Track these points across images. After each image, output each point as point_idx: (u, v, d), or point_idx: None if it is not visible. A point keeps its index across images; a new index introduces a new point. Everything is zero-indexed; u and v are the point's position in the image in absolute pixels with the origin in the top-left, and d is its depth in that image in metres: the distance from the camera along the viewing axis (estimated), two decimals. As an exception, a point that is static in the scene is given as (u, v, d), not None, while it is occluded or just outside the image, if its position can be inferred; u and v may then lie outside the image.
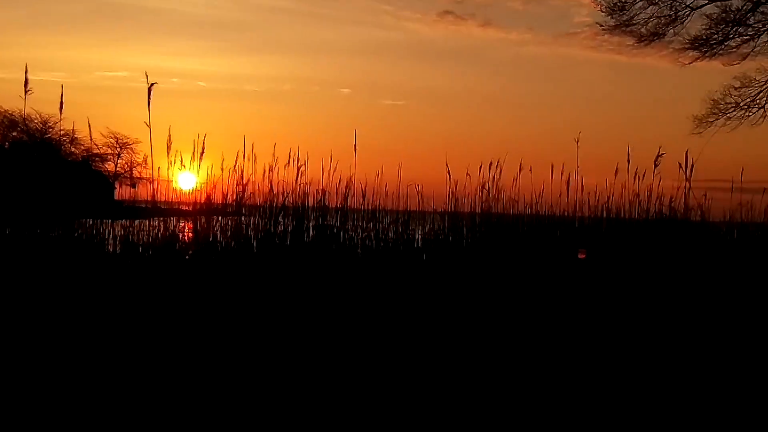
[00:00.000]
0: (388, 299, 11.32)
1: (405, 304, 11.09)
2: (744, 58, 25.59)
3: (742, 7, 24.81)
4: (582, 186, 15.85)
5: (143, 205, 15.02)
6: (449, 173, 15.38)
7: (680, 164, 15.18)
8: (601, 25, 25.94)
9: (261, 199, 14.36)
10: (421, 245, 15.19)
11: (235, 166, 14.39)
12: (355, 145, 14.51)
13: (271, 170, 14.42)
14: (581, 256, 14.51)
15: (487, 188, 15.42)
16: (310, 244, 13.78)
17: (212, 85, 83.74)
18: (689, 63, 25.94)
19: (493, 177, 15.58)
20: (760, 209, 16.35)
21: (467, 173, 15.70)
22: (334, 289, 11.57)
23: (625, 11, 25.26)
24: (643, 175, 15.49)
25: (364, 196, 14.93)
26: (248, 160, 14.43)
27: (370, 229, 14.83)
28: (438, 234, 15.27)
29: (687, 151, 15.30)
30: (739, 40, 25.29)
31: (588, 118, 66.80)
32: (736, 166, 19.78)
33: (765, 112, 25.56)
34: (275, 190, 14.30)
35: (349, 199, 14.55)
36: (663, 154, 15.07)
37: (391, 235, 14.80)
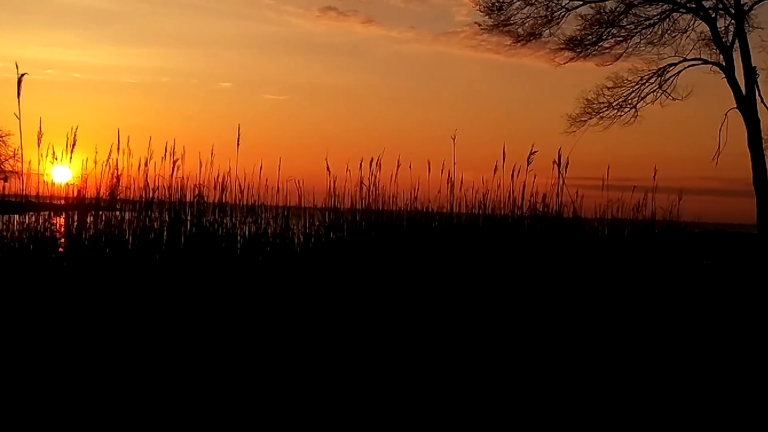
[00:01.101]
0: (264, 297, 11.23)
1: (283, 302, 11.02)
2: (617, 59, 26.50)
3: (616, 8, 25.65)
4: (461, 183, 16.03)
5: (13, 200, 14.49)
6: (329, 169, 15.34)
7: (554, 162, 15.53)
8: (480, 25, 26.44)
9: (136, 194, 14.05)
10: (301, 241, 15.13)
11: (108, 160, 14.04)
12: (237, 140, 14.32)
13: (146, 164, 14.11)
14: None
15: (366, 184, 15.46)
16: (187, 240, 13.55)
17: (88, 77, 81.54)
18: (564, 63, 26.69)
19: (372, 173, 15.62)
20: (630, 206, 16.88)
21: (347, 169, 15.68)
22: (211, 287, 11.42)
23: (503, 11, 25.79)
24: (518, 173, 15.78)
25: (242, 192, 14.77)
26: (123, 153, 14.09)
27: (249, 224, 14.68)
28: (318, 230, 15.24)
29: (560, 149, 15.67)
30: (612, 41, 26.16)
31: (467, 116, 68.02)
32: (611, 164, 20.61)
33: (636, 111, 26.49)
34: (151, 185, 14.00)
35: (227, 195, 14.35)
36: (536, 152, 15.37)
37: (270, 231, 14.68)
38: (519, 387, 7.55)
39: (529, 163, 15.19)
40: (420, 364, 8.24)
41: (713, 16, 25.42)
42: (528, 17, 25.96)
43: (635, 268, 15.01)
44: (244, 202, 14.78)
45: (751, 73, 25.47)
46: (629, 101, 26.35)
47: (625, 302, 12.62)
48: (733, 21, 25.43)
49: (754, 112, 25.45)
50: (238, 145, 14.13)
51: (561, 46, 26.36)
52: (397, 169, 15.80)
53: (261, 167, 14.86)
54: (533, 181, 15.79)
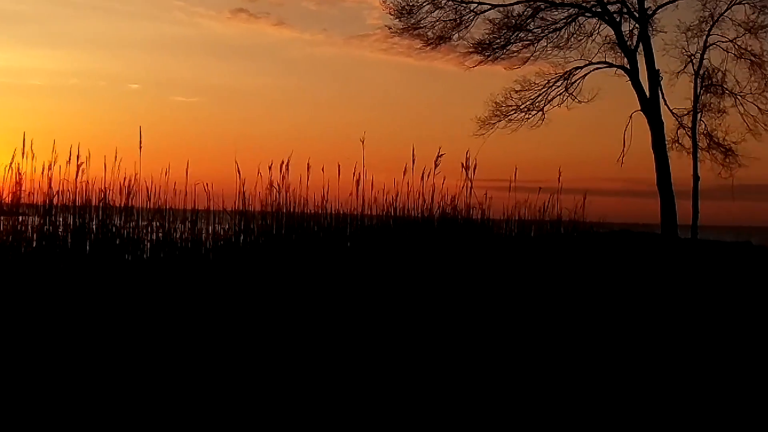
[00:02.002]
0: (172, 304, 11.08)
1: (191, 309, 10.89)
2: (525, 63, 26.81)
3: (523, 12, 25.97)
4: (372, 185, 16.12)
5: None
6: (239, 171, 15.26)
7: (462, 164, 15.74)
8: (390, 28, 26.50)
9: (40, 198, 13.77)
10: (211, 245, 14.99)
11: (11, 164, 13.74)
12: (140, 142, 14.11)
13: (50, 168, 13.83)
14: None
15: (276, 187, 15.42)
16: (93, 245, 13.31)
17: (-9, 80, 79.26)
18: (474, 66, 26.92)
19: (283, 176, 15.60)
20: (536, 207, 17.22)
21: (258, 172, 15.63)
22: (117, 295, 11.22)
23: (412, 15, 25.87)
24: (428, 175, 15.94)
25: (149, 195, 14.58)
26: (26, 157, 13.79)
27: (157, 228, 14.49)
28: (228, 234, 15.13)
29: (467, 152, 15.89)
30: (520, 44, 26.45)
31: (378, 119, 68.18)
32: (519, 166, 20.93)
33: (543, 114, 26.82)
34: (55, 189, 13.72)
35: (133, 198, 14.15)
36: (442, 154, 15.58)
37: (178, 234, 14.52)
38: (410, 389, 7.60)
39: (436, 165, 15.38)
40: (333, 369, 8.23)
41: (618, 20, 25.95)
42: (437, 21, 26.12)
43: (541, 268, 15.25)
44: (151, 206, 14.60)
45: (654, 76, 26.10)
46: (537, 104, 26.69)
47: (529, 302, 12.80)
48: (637, 25, 25.99)
49: (657, 115, 26.08)
50: (140, 147, 13.95)
51: (470, 50, 26.58)
52: (308, 172, 15.81)
53: (168, 170, 14.70)
54: (442, 183, 15.99)
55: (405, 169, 15.94)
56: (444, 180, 16.03)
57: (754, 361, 9.60)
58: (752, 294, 14.70)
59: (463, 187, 16.09)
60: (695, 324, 11.87)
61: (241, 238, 15.34)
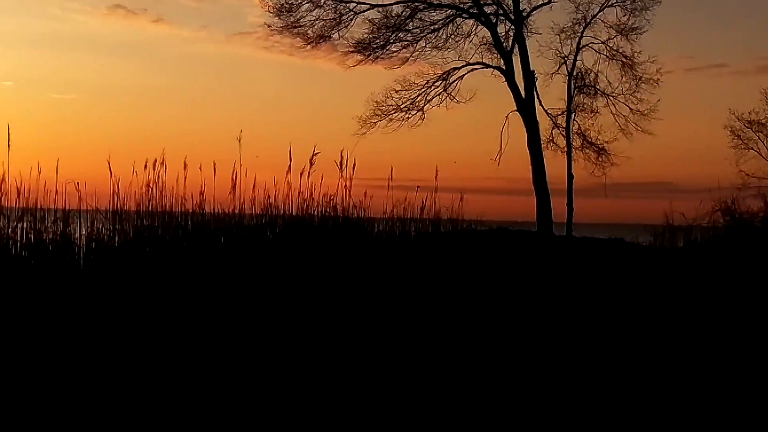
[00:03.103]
0: (42, 308, 10.69)
1: (60, 309, 10.52)
2: (404, 63, 26.94)
3: (402, 13, 26.10)
4: (255, 183, 15.91)
5: None
6: (111, 170, 14.85)
7: (336, 162, 15.70)
8: (270, 26, 26.25)
9: None
10: (84, 245, 14.55)
11: None
12: (8, 140, 13.67)
13: None
14: None
15: (152, 186, 15.06)
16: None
17: None
18: (354, 66, 26.90)
19: (159, 175, 15.26)
20: (415, 205, 17.32)
21: (133, 171, 15.26)
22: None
23: (292, 13, 25.71)
24: (308, 174, 15.82)
25: (19, 194, 14.09)
26: None
27: (26, 229, 13.98)
28: (100, 234, 14.70)
29: (342, 151, 15.89)
30: (399, 45, 26.59)
31: (261, 118, 67.49)
32: (400, 165, 20.94)
33: (423, 114, 27.01)
34: None
35: (1, 197, 13.65)
36: (318, 153, 15.51)
37: (48, 236, 14.01)
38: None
39: (312, 164, 15.31)
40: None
41: (494, 21, 26.33)
42: (317, 19, 26.00)
43: (420, 267, 15.32)
44: (21, 205, 14.12)
45: (529, 77, 26.60)
46: (416, 104, 26.85)
47: (408, 301, 12.83)
48: (512, 26, 26.43)
49: (532, 115, 26.59)
50: (9, 146, 13.53)
51: (350, 49, 26.57)
52: (185, 171, 15.52)
53: (39, 169, 14.23)
54: (321, 182, 15.90)
55: (291, 167, 15.80)
56: (322, 179, 15.95)
57: (621, 353, 9.86)
58: (624, 289, 15.12)
59: (340, 186, 16.03)
60: (569, 319, 12.13)
61: (116, 238, 14.94)
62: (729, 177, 26.20)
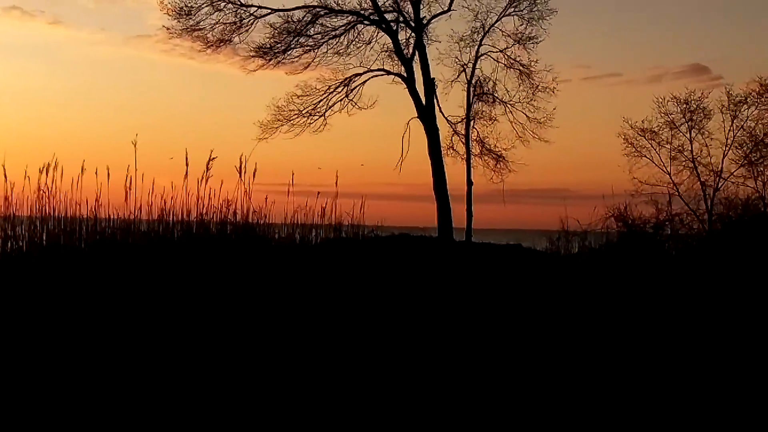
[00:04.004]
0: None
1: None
2: (306, 68, 26.88)
3: (303, 18, 26.03)
4: (153, 188, 15.66)
5: None
6: (6, 175, 14.52)
7: (236, 168, 15.58)
8: (169, 29, 25.86)
9: None
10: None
11: None
12: None
13: None
14: None
15: (44, 191, 14.71)
16: None
17: None
18: (255, 70, 26.72)
19: (53, 179, 14.93)
20: (316, 211, 17.30)
21: (26, 176, 14.93)
22: None
23: (191, 16, 25.38)
24: (207, 179, 15.65)
25: None
26: None
27: None
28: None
29: (241, 156, 15.78)
30: (301, 50, 26.50)
31: (160, 122, 66.60)
32: (301, 171, 20.90)
33: (325, 120, 26.97)
34: None
35: None
36: (215, 157, 15.38)
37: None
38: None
39: (208, 169, 15.14)
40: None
41: (395, 28, 26.49)
42: (217, 23, 25.71)
43: (321, 272, 15.30)
44: None
45: (430, 84, 26.84)
46: (318, 109, 26.79)
47: (307, 309, 12.81)
48: (413, 34, 26.65)
49: (433, 122, 26.83)
50: None
51: (252, 54, 26.38)
52: (81, 175, 15.21)
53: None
54: (220, 188, 15.73)
55: (188, 173, 15.57)
56: (222, 184, 15.79)
57: (516, 355, 10.04)
58: (520, 293, 15.39)
59: (239, 191, 15.90)
60: (468, 323, 12.29)
61: (9, 244, 14.58)
62: (622, 184, 26.94)
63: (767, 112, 26.73)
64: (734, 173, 26.52)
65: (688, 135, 26.68)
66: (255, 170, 15.83)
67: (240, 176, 15.57)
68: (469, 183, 28.08)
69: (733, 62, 60.72)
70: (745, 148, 26.51)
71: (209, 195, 15.66)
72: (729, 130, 26.56)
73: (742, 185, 26.13)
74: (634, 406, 8.04)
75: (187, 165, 15.25)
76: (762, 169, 26.27)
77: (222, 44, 26.19)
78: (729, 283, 16.78)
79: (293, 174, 16.90)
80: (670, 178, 26.47)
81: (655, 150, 26.89)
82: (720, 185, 26.16)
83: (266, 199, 16.51)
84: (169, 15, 25.51)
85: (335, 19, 26.40)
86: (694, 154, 26.59)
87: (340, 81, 26.77)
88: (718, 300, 15.12)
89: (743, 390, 8.89)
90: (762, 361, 10.46)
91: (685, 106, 26.80)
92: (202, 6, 25.35)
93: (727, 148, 26.56)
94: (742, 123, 26.63)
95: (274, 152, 29.81)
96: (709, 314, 13.80)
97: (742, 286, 16.41)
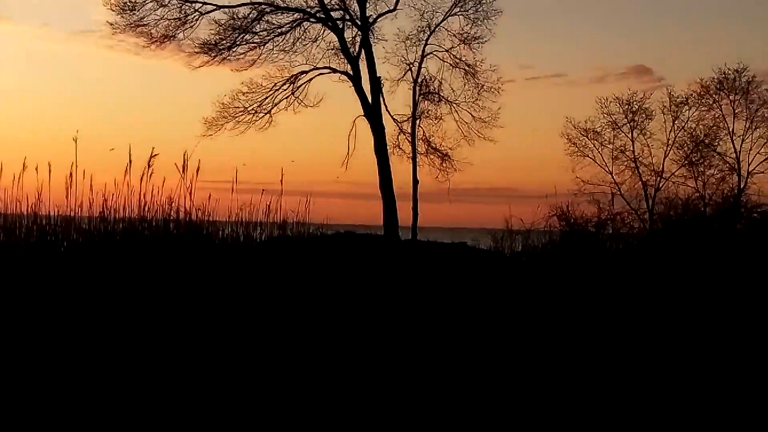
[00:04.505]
0: None
1: None
2: (252, 65, 26.71)
3: (248, 15, 25.88)
4: (92, 186, 15.48)
5: None
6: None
7: (178, 165, 15.47)
8: (113, 25, 25.55)
9: None
10: None
11: None
12: None
13: None
14: None
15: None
16: None
17: None
18: (200, 66, 26.46)
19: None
20: (260, 209, 17.24)
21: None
22: None
23: (135, 11, 25.08)
24: (149, 176, 15.51)
25: None
26: None
27: None
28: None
29: (185, 153, 15.66)
30: (246, 47, 26.31)
31: (103, 118, 65.75)
32: (246, 168, 20.84)
33: (271, 117, 26.85)
34: None
35: None
36: (156, 154, 15.25)
37: None
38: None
39: (150, 166, 15.01)
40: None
41: (341, 26, 26.43)
42: (162, 19, 25.41)
43: (266, 271, 15.25)
44: None
45: (376, 82, 26.85)
46: (264, 107, 26.65)
47: (250, 308, 12.76)
48: (359, 32, 26.65)
49: (379, 120, 26.84)
50: None
51: (197, 50, 26.14)
52: (23, 172, 15.01)
53: None
54: (162, 185, 15.60)
55: (130, 169, 15.39)
56: (164, 181, 15.64)
57: (458, 353, 10.11)
58: (464, 291, 15.49)
59: (182, 188, 15.76)
60: (412, 320, 12.33)
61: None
62: (565, 183, 27.24)
63: (707, 113, 27.27)
64: (675, 173, 27.01)
65: (630, 135, 27.12)
66: (198, 167, 15.71)
67: (182, 173, 15.44)
68: (415, 181, 28.17)
69: (675, 64, 61.74)
70: (685, 149, 27.00)
71: (152, 192, 15.50)
72: (670, 131, 27.05)
73: (682, 185, 26.63)
74: (570, 404, 8.15)
75: (129, 161, 15.10)
76: (702, 169, 26.80)
77: (166, 40, 25.94)
78: (669, 281, 17.06)
79: (237, 171, 16.80)
80: (612, 177, 26.87)
81: (597, 150, 27.27)
82: (661, 185, 26.63)
83: (210, 196, 16.39)
84: (113, 10, 25.23)
85: (281, 17, 26.30)
86: (635, 154, 27.02)
87: (286, 78, 26.68)
88: (657, 298, 15.37)
89: (679, 386, 9.06)
90: (698, 357, 10.67)
91: (627, 106, 27.23)
92: (147, 1, 25.09)
93: (668, 149, 27.04)
94: (683, 124, 27.13)
95: (219, 149, 29.52)
96: (647, 313, 14.02)
97: (681, 285, 16.70)
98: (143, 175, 15.36)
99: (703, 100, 27.19)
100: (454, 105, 28.19)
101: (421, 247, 23.90)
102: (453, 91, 28.22)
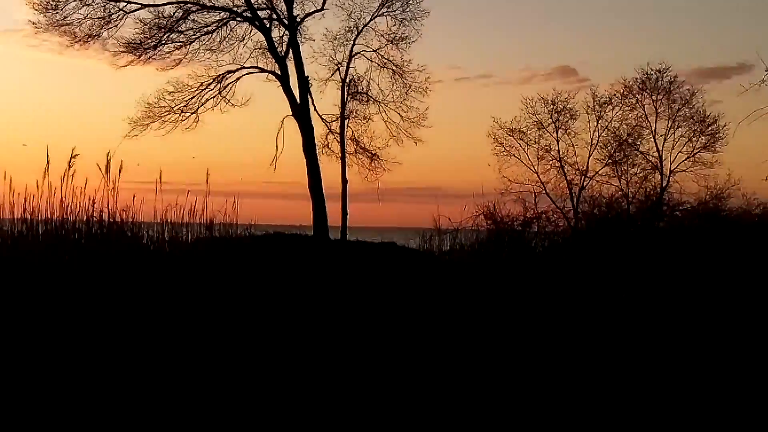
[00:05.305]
0: None
1: None
2: (178, 64, 26.41)
3: (174, 14, 25.62)
4: (11, 187, 15.17)
5: None
6: None
7: (100, 165, 15.26)
8: (35, 24, 25.07)
9: None
10: None
11: None
12: None
13: None
14: None
15: None
16: None
17: None
18: (125, 66, 26.08)
19: None
20: (186, 210, 17.06)
21: None
22: None
23: (58, 11, 24.66)
24: (72, 177, 15.26)
25: None
26: None
27: None
28: None
29: (107, 153, 15.44)
30: (172, 46, 26.02)
31: (26, 119, 64.37)
32: (174, 169, 20.63)
33: (198, 117, 26.62)
34: None
35: None
36: (77, 155, 15.02)
37: None
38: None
39: (70, 166, 14.77)
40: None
41: (268, 26, 26.30)
42: (85, 18, 25.01)
43: (192, 272, 15.12)
44: None
45: (304, 82, 26.79)
46: (190, 106, 26.41)
47: (176, 311, 12.66)
48: (286, 32, 26.56)
49: (308, 120, 26.80)
50: None
51: (121, 49, 25.78)
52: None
53: None
54: (85, 186, 15.36)
55: (49, 170, 15.11)
56: (86, 182, 15.40)
57: (388, 351, 10.17)
58: (393, 290, 15.58)
59: (106, 190, 15.52)
60: (340, 319, 12.37)
61: None
62: (492, 182, 27.56)
63: (631, 112, 27.82)
64: (599, 172, 27.51)
65: (555, 135, 27.53)
66: (121, 168, 15.49)
67: (105, 174, 15.21)
68: (344, 181, 28.22)
69: (600, 65, 62.79)
70: (609, 148, 27.53)
71: (74, 193, 15.23)
72: (594, 131, 27.55)
73: (606, 184, 27.15)
74: (490, 404, 8.26)
75: (48, 162, 14.83)
76: (625, 168, 27.34)
77: (90, 39, 25.51)
78: (592, 279, 17.37)
79: (161, 171, 16.59)
80: (538, 176, 27.28)
81: (523, 149, 27.64)
82: (585, 184, 27.10)
83: (134, 197, 16.15)
84: (36, 9, 24.74)
85: (207, 16, 26.08)
86: (560, 153, 27.46)
87: (212, 78, 26.48)
88: (581, 295, 15.63)
89: (601, 383, 9.24)
90: (619, 352, 10.89)
91: (552, 106, 27.66)
92: (70, 1, 24.67)
93: (592, 148, 27.53)
94: (607, 123, 27.66)
95: (144, 149, 29.11)
96: (571, 309, 14.26)
97: (604, 282, 17.01)
98: (64, 175, 15.09)
99: (626, 100, 27.77)
100: (383, 105, 28.34)
101: (351, 247, 23.95)
102: (381, 91, 28.38)
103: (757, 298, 15.52)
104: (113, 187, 15.44)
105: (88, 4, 24.87)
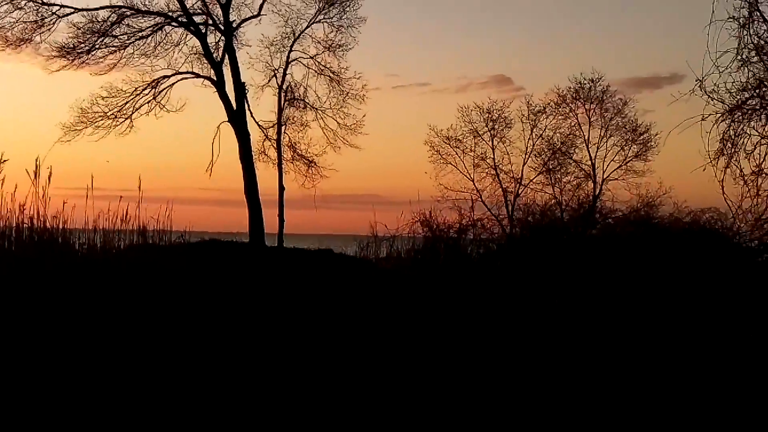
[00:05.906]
0: None
1: None
2: (112, 69, 26.13)
3: (108, 18, 25.34)
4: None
5: None
6: None
7: (29, 171, 15.05)
8: (-34, 27, 24.58)
9: None
10: None
11: None
12: None
13: None
14: None
15: None
16: None
17: None
18: (58, 70, 25.76)
19: None
20: (118, 216, 16.84)
21: None
22: None
23: (-8, 15, 24.25)
24: (0, 182, 14.99)
25: None
26: None
27: None
28: None
29: (37, 159, 15.21)
30: (106, 50, 25.76)
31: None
32: (105, 174, 20.35)
33: (132, 122, 26.35)
34: None
35: None
36: (6, 160, 14.80)
37: None
38: None
39: (-1, 171, 14.51)
40: None
41: (204, 31, 26.19)
42: (18, 21, 24.71)
43: (124, 281, 14.94)
44: None
45: (240, 88, 26.70)
46: (124, 111, 26.15)
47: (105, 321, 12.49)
48: (223, 37, 26.46)
49: (244, 126, 26.70)
50: None
51: (54, 54, 25.44)
52: None
53: None
54: (14, 191, 15.10)
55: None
56: (16, 188, 15.12)
57: (324, 358, 10.17)
58: (329, 297, 15.57)
59: (35, 196, 15.25)
60: (278, 327, 12.33)
61: None
62: (429, 190, 27.62)
63: (564, 121, 28.14)
64: (533, 180, 27.72)
65: (490, 143, 27.70)
66: (50, 173, 15.22)
67: (34, 179, 14.94)
68: (281, 188, 28.17)
69: (534, 74, 63.51)
70: (543, 156, 27.77)
71: (2, 199, 14.94)
72: (529, 139, 27.76)
73: (540, 192, 27.36)
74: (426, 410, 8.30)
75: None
76: (559, 176, 27.61)
77: (23, 43, 25.16)
78: (526, 285, 17.55)
79: (93, 177, 16.33)
80: (474, 184, 27.38)
81: (459, 157, 27.73)
82: (520, 192, 27.30)
83: (64, 203, 15.87)
84: (-32, 13, 24.27)
85: (142, 20, 25.89)
86: (496, 161, 27.62)
87: (147, 83, 26.27)
88: (514, 301, 15.80)
89: (533, 388, 9.34)
90: (553, 357, 11.02)
91: (487, 115, 27.80)
92: (2, 4, 24.27)
93: (527, 156, 27.73)
94: (541, 132, 27.89)
95: (75, 155, 28.70)
96: (504, 315, 14.40)
97: (539, 288, 17.20)
98: (-5, 182, 14.81)
99: (559, 109, 28.03)
100: (320, 112, 28.40)
101: (287, 254, 23.88)
102: (318, 97, 28.44)
103: (687, 304, 15.82)
104: (43, 194, 15.17)
105: (21, 8, 24.57)
